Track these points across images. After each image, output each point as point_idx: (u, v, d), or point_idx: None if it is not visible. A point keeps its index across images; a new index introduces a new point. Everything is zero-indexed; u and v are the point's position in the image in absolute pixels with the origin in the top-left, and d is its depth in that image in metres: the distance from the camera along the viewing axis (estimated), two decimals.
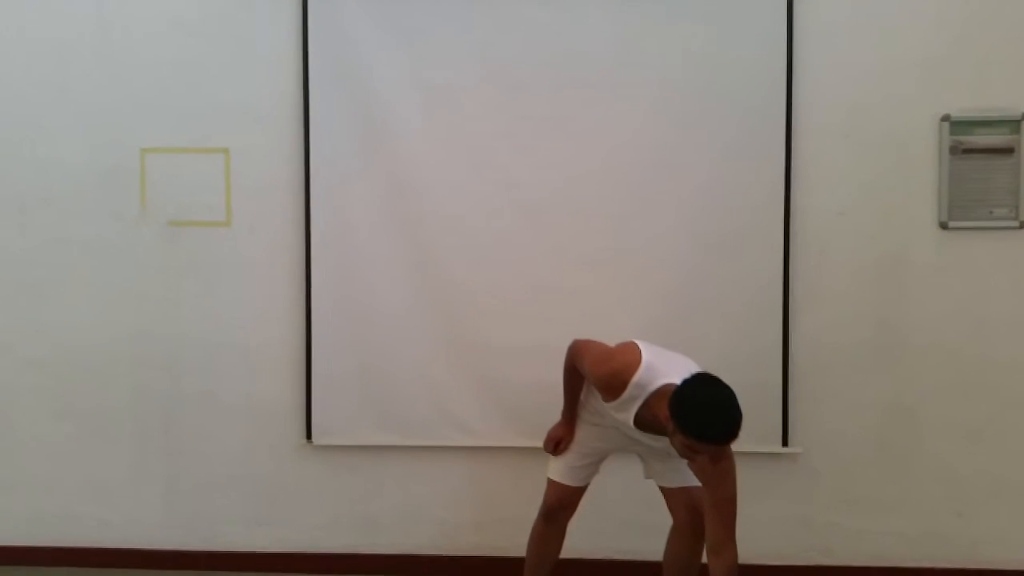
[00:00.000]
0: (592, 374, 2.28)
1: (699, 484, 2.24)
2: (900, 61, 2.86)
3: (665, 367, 2.14)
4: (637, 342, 2.25)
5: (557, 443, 2.49)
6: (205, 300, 3.03)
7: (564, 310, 2.89)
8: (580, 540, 2.72)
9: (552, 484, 2.51)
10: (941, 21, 2.85)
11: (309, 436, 3.02)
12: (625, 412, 2.22)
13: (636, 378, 2.15)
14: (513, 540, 2.86)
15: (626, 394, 2.17)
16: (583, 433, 2.48)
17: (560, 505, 2.51)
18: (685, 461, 2.37)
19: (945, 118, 2.85)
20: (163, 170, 3.01)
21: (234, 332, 3.03)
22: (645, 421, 2.20)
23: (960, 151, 2.86)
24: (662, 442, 2.22)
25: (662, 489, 2.47)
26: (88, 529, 3.13)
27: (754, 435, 2.78)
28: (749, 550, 2.89)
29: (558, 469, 2.50)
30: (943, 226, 2.88)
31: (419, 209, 2.93)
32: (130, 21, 3.00)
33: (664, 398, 2.07)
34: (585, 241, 2.91)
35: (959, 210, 2.87)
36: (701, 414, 1.99)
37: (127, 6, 3.00)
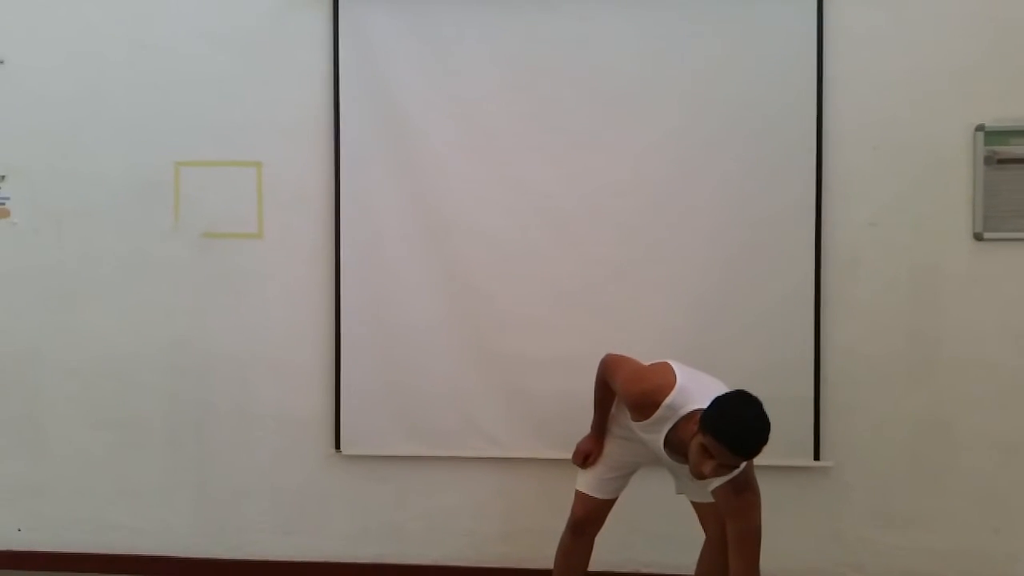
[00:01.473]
0: (624, 392, 2.26)
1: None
2: (933, 70, 2.83)
3: (699, 391, 2.12)
4: (671, 363, 2.24)
5: (586, 456, 2.48)
6: (237, 311, 3.07)
7: (591, 321, 2.89)
8: (608, 553, 2.71)
9: (580, 496, 2.50)
10: (974, 29, 2.82)
11: (338, 446, 3.04)
12: (654, 434, 2.20)
13: (668, 400, 2.13)
14: (541, 552, 2.85)
15: (657, 415, 2.16)
16: (612, 447, 2.46)
17: (588, 518, 2.49)
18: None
19: (979, 128, 2.81)
20: (197, 183, 3.06)
21: (265, 342, 3.06)
22: (673, 445, 2.18)
23: (995, 161, 2.82)
24: (687, 469, 2.19)
25: (694, 504, 2.45)
26: (120, 536, 3.17)
27: (785, 448, 2.78)
28: (780, 565, 2.88)
29: (586, 481, 2.49)
30: (977, 237, 2.84)
31: (447, 221, 2.94)
32: (165, 38, 3.06)
33: (693, 421, 2.06)
34: (613, 252, 2.90)
35: (994, 221, 2.82)
36: (728, 415, 1.98)
37: (163, 23, 3.05)
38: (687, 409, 2.11)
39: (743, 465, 2.13)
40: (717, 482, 2.16)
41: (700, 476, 2.05)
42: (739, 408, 2.00)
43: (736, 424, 1.96)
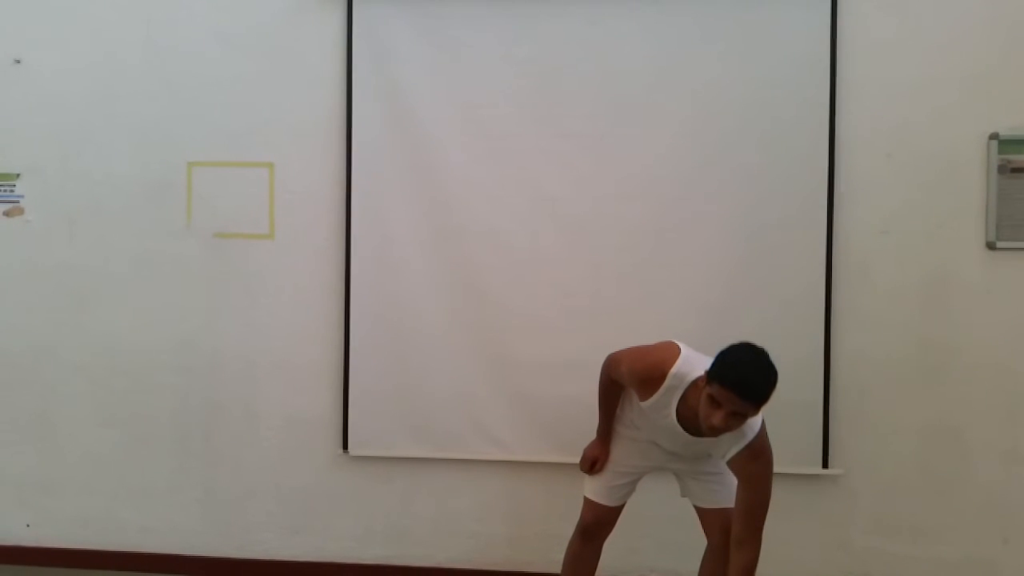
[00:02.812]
0: (630, 370, 2.26)
1: (734, 506, 2.23)
2: (946, 77, 2.82)
3: (702, 360, 2.13)
4: (673, 340, 2.26)
5: (593, 463, 2.48)
6: (247, 311, 3.08)
7: (600, 325, 2.88)
8: (615, 558, 2.70)
9: (589, 503, 2.50)
10: (989, 37, 2.81)
11: (345, 447, 3.05)
12: (665, 408, 2.20)
13: (675, 368, 2.15)
14: (546, 556, 2.86)
15: (665, 385, 2.16)
16: (620, 450, 2.46)
17: (598, 523, 2.49)
18: (720, 482, 2.37)
19: (993, 136, 2.80)
20: (209, 183, 3.07)
21: (274, 343, 3.07)
22: (685, 418, 2.18)
23: (1008, 170, 2.80)
24: (702, 444, 2.20)
25: (697, 509, 2.45)
26: (128, 534, 3.19)
27: (794, 456, 2.78)
28: (787, 572, 2.88)
29: (594, 488, 2.49)
30: (990, 246, 2.83)
31: (457, 224, 2.95)
32: (179, 38, 3.08)
33: (702, 380, 2.07)
34: (622, 257, 2.90)
35: (1007, 230, 2.81)
36: (732, 360, 2.00)
37: (176, 24, 3.08)
38: (693, 376, 2.13)
39: (757, 428, 2.13)
40: (733, 451, 2.15)
41: (712, 429, 2.03)
42: (743, 353, 2.01)
43: (740, 367, 1.98)
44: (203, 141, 3.07)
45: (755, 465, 2.13)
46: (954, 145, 2.83)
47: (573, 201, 2.92)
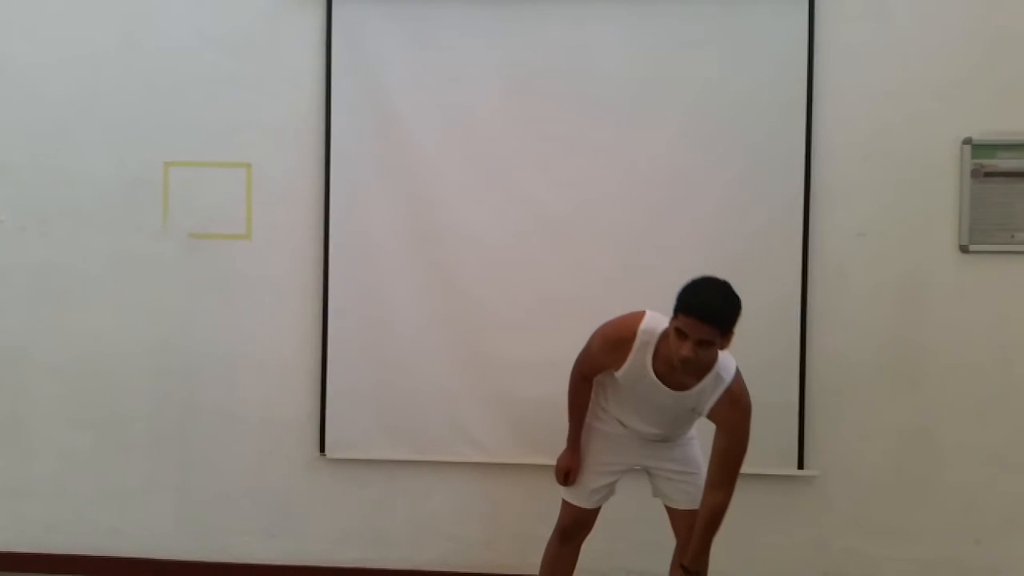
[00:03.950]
0: (602, 340, 2.29)
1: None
2: (922, 83, 2.86)
3: (668, 319, 2.16)
4: None
5: (567, 473, 2.48)
6: (223, 312, 3.05)
7: (580, 327, 2.85)
8: (592, 560, 2.70)
9: (567, 505, 2.50)
10: (964, 43, 2.85)
11: (322, 449, 3.03)
12: (642, 368, 2.21)
13: (643, 325, 2.20)
14: (525, 559, 2.86)
15: (637, 343, 2.20)
16: (596, 447, 2.46)
17: (576, 526, 2.50)
18: (691, 483, 2.38)
19: (967, 141, 2.84)
20: (186, 183, 3.04)
21: (251, 344, 3.05)
22: (661, 373, 2.20)
23: (982, 174, 2.84)
24: (684, 400, 2.20)
25: (668, 510, 2.46)
26: (101, 537, 3.15)
27: (769, 457, 2.80)
28: (762, 573, 2.89)
29: (572, 491, 2.49)
30: (963, 249, 2.86)
31: (438, 225, 2.94)
32: (157, 37, 3.05)
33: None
34: (603, 259, 2.91)
35: (980, 233, 2.85)
36: (690, 288, 2.07)
37: (154, 22, 3.05)
38: (662, 328, 2.17)
39: (733, 371, 2.16)
40: (713, 399, 2.17)
41: (684, 363, 2.06)
42: (703, 282, 2.08)
43: (702, 294, 2.05)
44: (180, 140, 3.04)
45: (734, 412, 2.17)
46: (929, 149, 2.86)
47: (555, 203, 2.92)
